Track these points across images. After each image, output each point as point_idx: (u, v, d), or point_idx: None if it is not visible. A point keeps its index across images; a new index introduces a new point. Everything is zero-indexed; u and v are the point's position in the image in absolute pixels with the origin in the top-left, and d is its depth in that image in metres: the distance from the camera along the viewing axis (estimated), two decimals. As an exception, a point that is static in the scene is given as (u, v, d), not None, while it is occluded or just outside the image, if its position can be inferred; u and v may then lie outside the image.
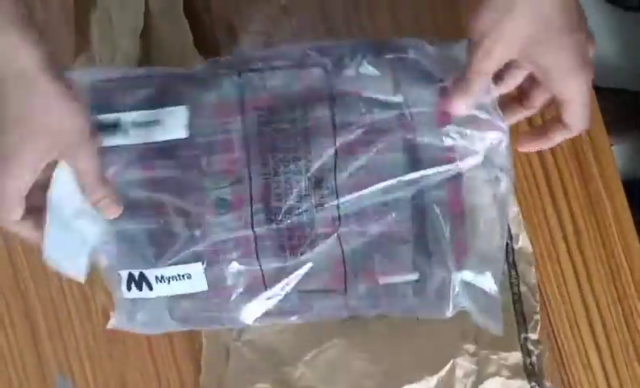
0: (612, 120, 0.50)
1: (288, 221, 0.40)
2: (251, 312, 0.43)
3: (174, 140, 0.42)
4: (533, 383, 0.46)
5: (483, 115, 0.39)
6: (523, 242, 0.49)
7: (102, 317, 0.57)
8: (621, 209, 0.48)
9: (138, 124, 0.43)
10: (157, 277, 0.43)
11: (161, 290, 0.44)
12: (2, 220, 0.42)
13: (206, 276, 0.42)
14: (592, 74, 0.37)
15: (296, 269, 0.41)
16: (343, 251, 0.41)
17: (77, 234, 0.48)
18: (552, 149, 0.49)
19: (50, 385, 0.58)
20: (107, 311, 0.57)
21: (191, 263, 0.42)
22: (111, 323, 0.47)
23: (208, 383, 0.54)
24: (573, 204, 0.49)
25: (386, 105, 0.40)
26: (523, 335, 0.47)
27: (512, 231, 0.49)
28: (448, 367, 0.47)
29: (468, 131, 0.39)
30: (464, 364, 0.47)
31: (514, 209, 0.50)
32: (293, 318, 0.44)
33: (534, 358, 0.47)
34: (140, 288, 0.44)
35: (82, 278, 0.49)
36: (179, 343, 0.55)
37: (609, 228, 0.48)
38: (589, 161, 0.48)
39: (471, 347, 0.47)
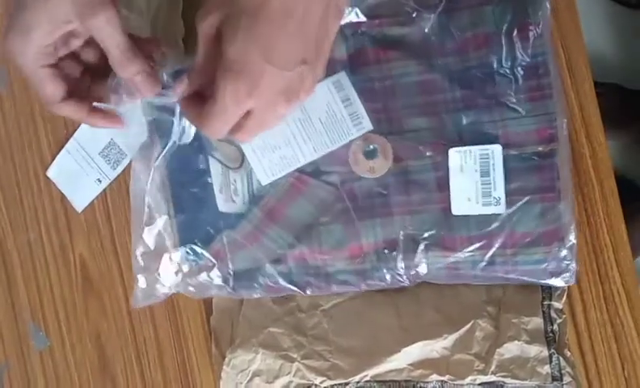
0: (604, 116, 0.50)
1: None
2: None
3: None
4: (552, 350, 0.46)
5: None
6: None
7: (79, 268, 0.56)
8: (608, 191, 0.48)
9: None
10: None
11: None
12: (45, 101, 0.41)
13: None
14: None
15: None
16: None
17: (95, 170, 0.52)
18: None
19: (23, 331, 0.56)
20: (84, 263, 0.56)
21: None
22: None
23: (219, 325, 0.53)
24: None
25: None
26: (546, 302, 0.47)
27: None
28: (467, 327, 0.47)
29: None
30: (484, 326, 0.47)
31: None
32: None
33: (556, 326, 0.47)
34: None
35: (79, 209, 0.56)
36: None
37: (595, 206, 0.48)
38: (581, 141, 0.48)
39: (494, 311, 0.47)
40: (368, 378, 0.48)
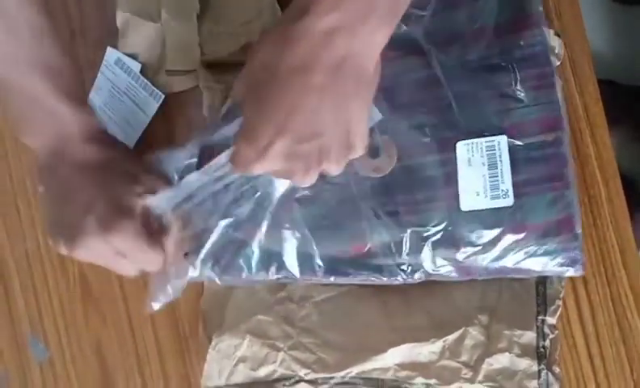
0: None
1: None
2: None
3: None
4: (542, 366, 0.46)
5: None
6: None
7: (78, 278, 0.55)
8: (614, 192, 0.48)
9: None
10: None
11: None
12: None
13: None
14: None
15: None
16: None
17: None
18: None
19: (21, 343, 0.55)
20: (83, 273, 0.55)
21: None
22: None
23: (209, 307, 0.52)
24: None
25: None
26: (540, 317, 0.46)
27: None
28: (457, 334, 0.46)
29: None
30: (475, 335, 0.46)
31: None
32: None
33: (547, 342, 0.46)
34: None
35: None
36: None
37: (601, 208, 0.47)
38: (586, 142, 0.48)
39: (485, 320, 0.47)
40: (353, 374, 0.48)
